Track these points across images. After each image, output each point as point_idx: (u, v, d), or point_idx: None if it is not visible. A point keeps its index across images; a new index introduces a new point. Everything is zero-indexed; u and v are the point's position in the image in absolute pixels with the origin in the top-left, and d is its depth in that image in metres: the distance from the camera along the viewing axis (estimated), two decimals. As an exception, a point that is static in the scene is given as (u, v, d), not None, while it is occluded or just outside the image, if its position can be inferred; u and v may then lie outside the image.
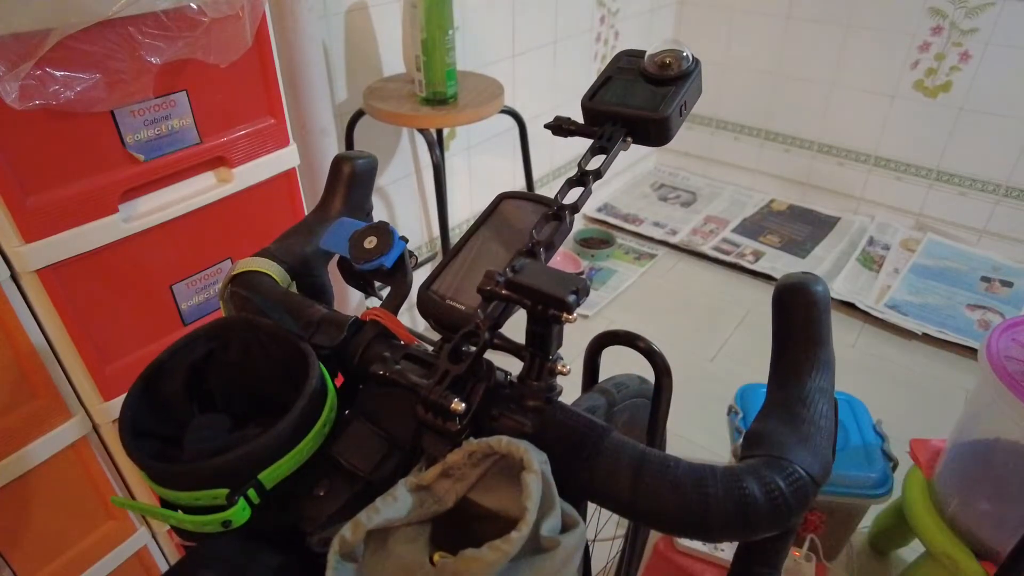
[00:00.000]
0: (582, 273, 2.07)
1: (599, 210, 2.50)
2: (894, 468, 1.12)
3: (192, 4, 0.74)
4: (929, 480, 1.10)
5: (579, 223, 2.44)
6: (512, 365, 0.39)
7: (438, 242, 1.82)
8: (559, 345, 0.38)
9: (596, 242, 2.30)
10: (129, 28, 0.71)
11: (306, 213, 0.80)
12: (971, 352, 1.78)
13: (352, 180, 0.54)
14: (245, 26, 0.80)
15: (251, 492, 0.34)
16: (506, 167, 1.97)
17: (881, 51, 2.12)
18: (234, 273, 0.49)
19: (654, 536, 1.10)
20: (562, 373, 0.39)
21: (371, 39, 1.42)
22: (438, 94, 1.30)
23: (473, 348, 0.38)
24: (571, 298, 0.35)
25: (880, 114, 2.21)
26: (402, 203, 1.67)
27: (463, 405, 0.36)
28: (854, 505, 1.12)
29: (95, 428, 0.86)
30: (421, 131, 1.36)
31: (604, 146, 0.47)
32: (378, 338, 0.43)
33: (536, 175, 2.09)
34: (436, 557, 0.33)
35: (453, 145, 1.75)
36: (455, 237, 1.81)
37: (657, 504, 0.33)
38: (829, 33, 2.20)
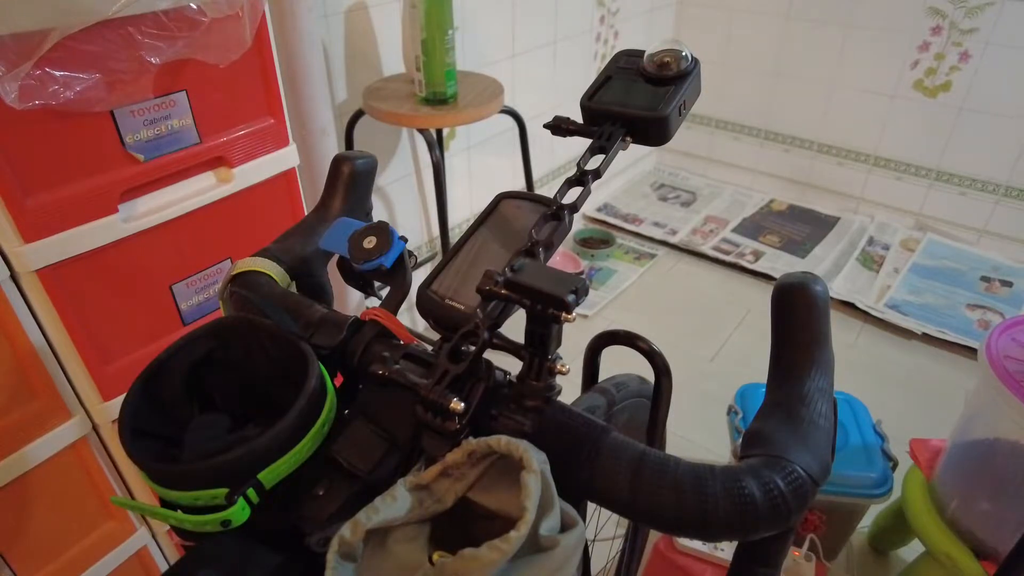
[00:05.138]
0: (582, 273, 2.07)
1: (599, 210, 2.50)
2: (894, 468, 1.12)
3: (192, 4, 0.74)
4: (929, 480, 1.10)
5: (579, 223, 2.44)
6: (512, 365, 0.39)
7: (438, 242, 1.82)
8: (558, 345, 0.38)
9: (596, 242, 2.30)
10: (129, 28, 0.71)
11: (306, 213, 0.80)
12: (971, 352, 1.78)
13: (352, 180, 0.54)
14: (245, 26, 0.80)
15: (250, 492, 0.34)
16: (506, 167, 1.97)
17: (881, 51, 2.12)
18: (234, 273, 0.49)
19: (654, 536, 1.10)
20: (561, 373, 0.39)
21: (371, 39, 1.42)
22: (438, 94, 1.30)
23: (472, 348, 0.38)
24: (570, 298, 0.35)
25: (880, 114, 2.21)
26: (402, 203, 1.67)
27: (462, 405, 0.36)
28: (854, 505, 1.12)
29: (95, 428, 0.86)
30: (421, 131, 1.36)
31: (603, 146, 0.47)
32: (377, 338, 0.43)
33: (536, 175, 2.09)
34: (435, 556, 0.33)
35: (453, 145, 1.75)
36: (455, 237, 1.81)
37: (656, 504, 0.33)
38: (829, 33, 2.20)
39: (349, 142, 1.42)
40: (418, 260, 1.74)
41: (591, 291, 2.07)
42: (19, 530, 0.82)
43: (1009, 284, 2.01)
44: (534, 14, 1.81)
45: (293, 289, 0.51)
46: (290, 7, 1.09)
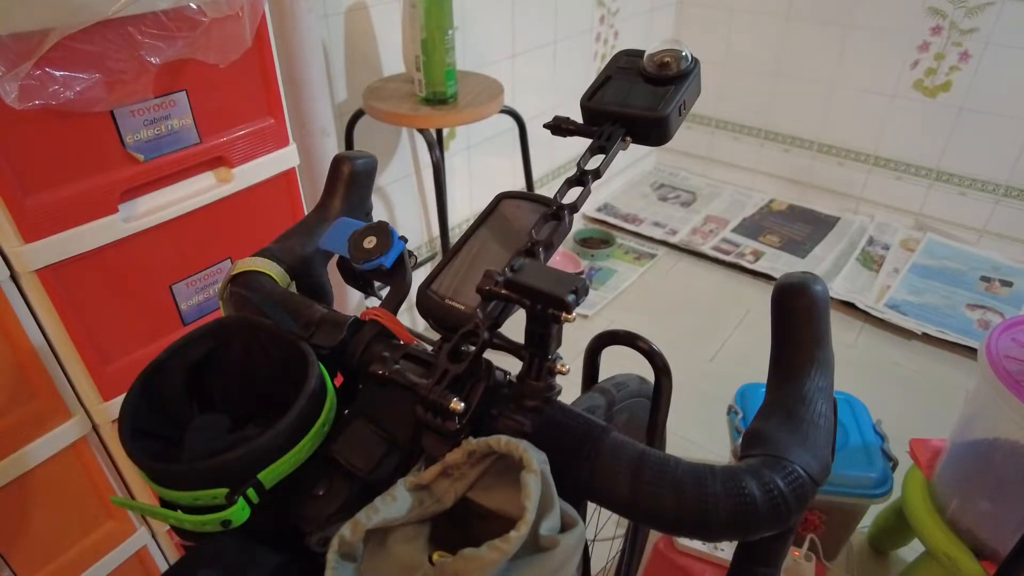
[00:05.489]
0: (582, 273, 2.06)
1: (599, 210, 2.50)
2: (894, 468, 1.12)
3: (192, 4, 0.74)
4: (929, 480, 1.10)
5: (579, 223, 2.44)
6: (512, 365, 0.39)
7: (438, 242, 1.82)
8: (558, 345, 0.38)
9: (596, 242, 2.30)
10: (129, 28, 0.71)
11: (306, 213, 0.80)
12: (971, 352, 1.78)
13: (352, 180, 0.54)
14: (245, 26, 0.80)
15: (250, 492, 0.34)
16: (506, 167, 1.97)
17: (881, 51, 2.12)
18: (234, 273, 0.49)
19: (654, 536, 1.10)
20: (561, 373, 0.39)
21: (371, 39, 1.42)
22: (438, 94, 1.30)
23: (472, 348, 0.38)
24: (570, 298, 0.35)
25: (880, 114, 2.21)
26: (402, 203, 1.67)
27: (462, 405, 0.36)
28: (854, 505, 1.12)
29: (95, 428, 0.86)
30: (421, 131, 1.36)
31: (603, 146, 0.47)
32: (377, 338, 0.43)
33: (536, 175, 2.09)
34: (435, 556, 0.33)
35: (453, 145, 1.75)
36: (455, 237, 1.81)
37: (656, 504, 0.33)
38: (829, 33, 2.20)
39: (349, 142, 1.42)
40: (418, 260, 1.74)
41: (591, 291, 2.07)
42: (19, 530, 0.82)
43: (1009, 284, 2.01)
44: (534, 14, 1.81)
45: (293, 289, 0.51)
46: (290, 7, 1.09)
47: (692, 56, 0.49)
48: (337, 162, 0.54)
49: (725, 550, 1.04)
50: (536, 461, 0.33)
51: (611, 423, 0.39)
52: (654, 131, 0.48)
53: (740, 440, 0.51)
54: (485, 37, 1.69)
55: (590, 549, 0.67)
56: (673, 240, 2.30)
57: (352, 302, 1.39)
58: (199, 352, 0.42)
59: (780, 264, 2.16)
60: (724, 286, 2.12)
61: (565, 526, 0.33)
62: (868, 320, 1.93)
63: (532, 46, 1.86)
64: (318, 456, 0.38)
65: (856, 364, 1.77)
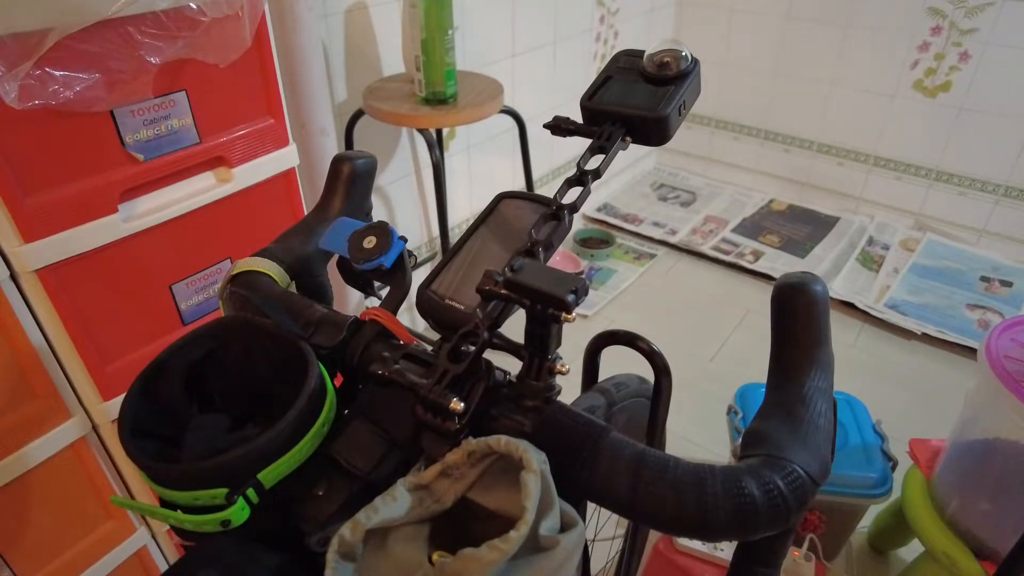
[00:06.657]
0: (581, 273, 2.07)
1: (599, 210, 2.50)
2: (894, 468, 1.12)
3: (192, 4, 0.74)
4: (929, 480, 1.10)
5: (579, 223, 2.44)
6: (511, 365, 0.39)
7: (437, 242, 1.82)
8: (558, 345, 0.38)
9: (596, 242, 2.30)
10: (128, 28, 0.71)
11: (306, 213, 0.80)
12: (971, 352, 1.78)
13: (351, 180, 0.54)
14: (244, 26, 0.80)
15: (250, 492, 0.34)
16: (506, 167, 1.97)
17: (881, 51, 2.12)
18: (233, 273, 0.49)
19: (654, 536, 1.10)
20: (561, 373, 0.39)
21: (371, 39, 1.42)
22: (438, 94, 1.31)
23: (472, 348, 0.38)
24: (570, 297, 0.35)
25: (880, 114, 2.21)
26: (401, 203, 1.67)
27: (462, 404, 0.36)
28: (854, 505, 1.12)
29: (95, 428, 0.86)
30: (421, 131, 1.36)
31: (603, 146, 0.47)
32: (377, 338, 0.43)
33: (536, 175, 2.09)
34: (435, 556, 0.33)
35: (453, 145, 1.75)
36: (454, 237, 1.81)
37: (656, 504, 0.33)
38: (829, 33, 2.20)
39: (349, 142, 1.42)
40: (418, 260, 1.74)
41: (591, 291, 2.07)
42: (19, 530, 0.82)
43: (1009, 284, 2.01)
44: (534, 14, 1.81)
45: (293, 289, 0.51)
46: (290, 7, 1.09)
47: (692, 56, 0.49)
48: (337, 162, 0.55)
49: (725, 550, 1.04)
50: (536, 461, 0.33)
51: (611, 423, 0.39)
52: (654, 131, 0.48)
53: (740, 440, 0.51)
54: (485, 37, 1.69)
55: (590, 549, 0.67)
56: (673, 240, 2.30)
57: (352, 302, 1.39)
58: (199, 352, 0.42)
59: (780, 264, 2.16)
60: (724, 286, 2.12)
61: (565, 526, 0.33)
62: (868, 320, 1.93)
63: (532, 46, 1.86)
64: (318, 456, 0.38)
65: (856, 364, 1.77)
